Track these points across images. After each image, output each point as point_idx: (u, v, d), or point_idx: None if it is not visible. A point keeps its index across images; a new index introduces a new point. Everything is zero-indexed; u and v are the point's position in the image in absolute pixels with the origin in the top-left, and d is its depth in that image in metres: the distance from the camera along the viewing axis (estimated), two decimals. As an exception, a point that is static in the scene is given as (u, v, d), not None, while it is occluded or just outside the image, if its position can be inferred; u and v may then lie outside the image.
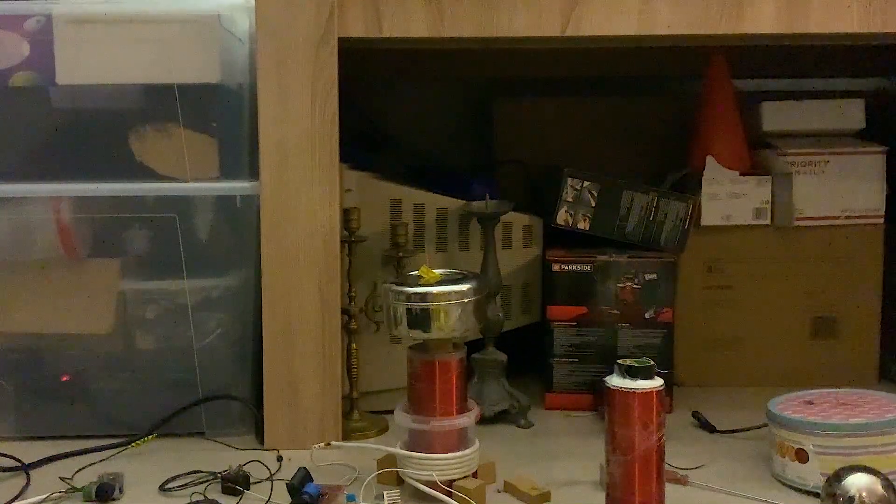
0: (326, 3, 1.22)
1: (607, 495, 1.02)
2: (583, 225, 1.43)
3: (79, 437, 1.28)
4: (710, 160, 1.51)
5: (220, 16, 1.27)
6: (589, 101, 1.74)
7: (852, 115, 1.55)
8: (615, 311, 1.40)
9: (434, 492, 1.07)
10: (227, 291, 1.32)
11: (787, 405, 1.16)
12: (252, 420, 1.31)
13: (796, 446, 1.10)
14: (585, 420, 1.39)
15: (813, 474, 1.09)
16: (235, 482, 1.11)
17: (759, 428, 1.25)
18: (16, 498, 1.10)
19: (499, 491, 1.13)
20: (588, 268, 1.40)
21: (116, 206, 1.28)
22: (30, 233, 1.30)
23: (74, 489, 1.12)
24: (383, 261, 1.37)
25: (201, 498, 1.10)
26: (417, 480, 1.09)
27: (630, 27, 1.25)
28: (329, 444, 1.19)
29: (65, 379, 1.31)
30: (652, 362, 1.00)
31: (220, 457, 1.22)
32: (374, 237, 1.37)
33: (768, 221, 1.51)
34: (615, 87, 1.80)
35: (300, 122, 1.23)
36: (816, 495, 1.05)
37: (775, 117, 1.56)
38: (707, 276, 1.52)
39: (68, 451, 1.24)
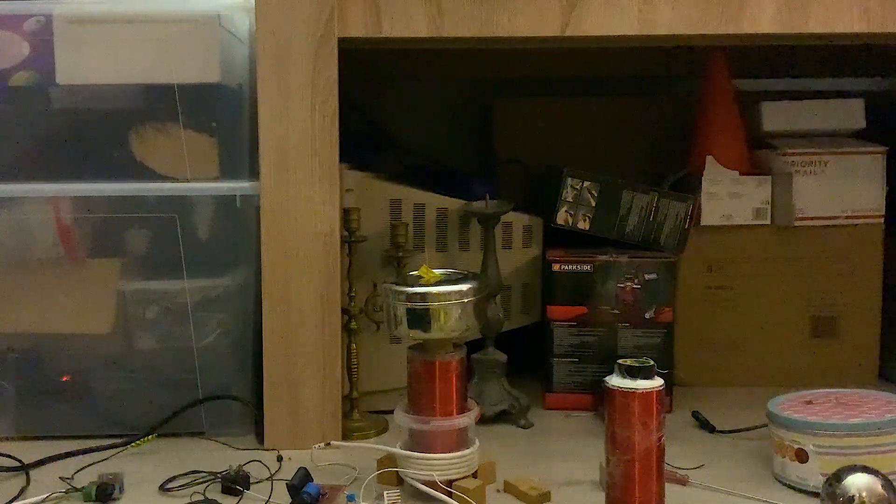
0: (326, 3, 1.22)
1: (607, 495, 1.02)
2: (583, 225, 1.43)
3: (79, 437, 1.28)
4: (710, 160, 1.51)
5: (220, 16, 1.27)
6: (589, 101, 1.74)
7: (852, 115, 1.55)
8: (615, 311, 1.40)
9: (434, 492, 1.07)
10: (227, 291, 1.32)
11: (787, 405, 1.16)
12: (252, 420, 1.31)
13: (796, 446, 1.10)
14: (585, 420, 1.39)
15: (813, 474, 1.09)
16: (235, 482, 1.11)
17: (759, 428, 1.25)
18: (16, 498, 1.10)
19: (499, 491, 1.13)
20: (588, 268, 1.40)
21: (116, 206, 1.28)
22: (30, 233, 1.30)
23: (74, 489, 1.11)
24: (383, 261, 1.37)
25: (201, 498, 1.10)
26: (417, 480, 1.09)
27: (630, 27, 1.25)
28: (329, 444, 1.20)
29: (65, 379, 1.31)
30: (652, 362, 1.00)
31: (220, 457, 1.23)
32: (374, 237, 1.36)
33: (768, 221, 1.51)
34: (615, 87, 1.80)
35: (300, 122, 1.23)
36: (816, 495, 1.05)
37: (775, 117, 1.56)
38: (707, 276, 1.52)
39: (68, 451, 1.24)
